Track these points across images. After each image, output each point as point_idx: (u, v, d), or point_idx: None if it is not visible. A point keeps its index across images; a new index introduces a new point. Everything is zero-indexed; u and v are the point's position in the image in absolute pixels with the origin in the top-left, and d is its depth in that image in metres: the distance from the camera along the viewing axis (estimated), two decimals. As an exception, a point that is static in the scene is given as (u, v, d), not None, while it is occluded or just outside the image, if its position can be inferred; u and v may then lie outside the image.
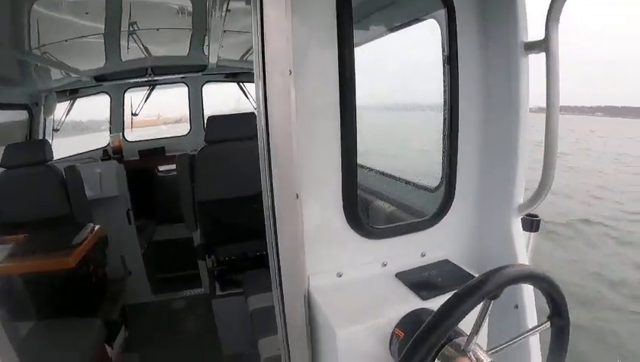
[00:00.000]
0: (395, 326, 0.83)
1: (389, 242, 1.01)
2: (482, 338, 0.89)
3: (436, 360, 0.67)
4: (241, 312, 2.20)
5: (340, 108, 0.89)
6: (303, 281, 0.87)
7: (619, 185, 12.16)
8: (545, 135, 0.91)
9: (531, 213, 1.00)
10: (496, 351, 0.70)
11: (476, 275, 0.89)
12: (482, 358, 0.66)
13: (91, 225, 2.44)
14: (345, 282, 0.95)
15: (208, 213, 2.52)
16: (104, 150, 3.73)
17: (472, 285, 0.61)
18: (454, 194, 1.07)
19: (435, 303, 0.85)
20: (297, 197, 0.80)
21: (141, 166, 3.75)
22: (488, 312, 0.64)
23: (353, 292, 0.92)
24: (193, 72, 3.46)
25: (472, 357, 0.65)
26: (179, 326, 2.88)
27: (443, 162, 1.08)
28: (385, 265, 1.01)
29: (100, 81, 3.39)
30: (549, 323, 0.72)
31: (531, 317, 0.99)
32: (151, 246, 3.46)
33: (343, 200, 0.92)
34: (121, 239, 3.04)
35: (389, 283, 0.97)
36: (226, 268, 2.58)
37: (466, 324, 0.65)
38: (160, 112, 4.69)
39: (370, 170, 1.33)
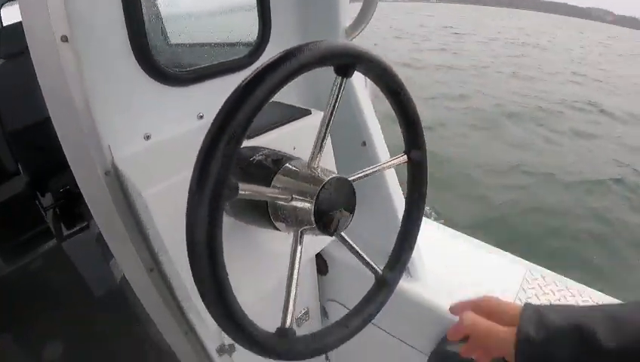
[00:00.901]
0: None
1: (201, 89, 0.85)
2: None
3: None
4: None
5: None
6: (101, 155, 0.69)
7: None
8: None
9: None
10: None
11: (312, 110, 0.88)
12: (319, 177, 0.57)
13: None
14: (156, 144, 0.79)
15: (25, 144, 2.10)
16: None
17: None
18: (270, 20, 0.94)
19: (267, 141, 0.75)
20: (65, 39, 0.58)
21: None
22: (340, 90, 0.55)
23: (168, 153, 0.77)
24: None
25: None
26: (44, 289, 2.44)
27: None
28: (201, 117, 0.87)
29: None
30: (405, 156, 0.66)
31: (383, 154, 0.97)
32: None
33: (131, 40, 0.71)
34: None
35: None
36: (65, 201, 2.19)
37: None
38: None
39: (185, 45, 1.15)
